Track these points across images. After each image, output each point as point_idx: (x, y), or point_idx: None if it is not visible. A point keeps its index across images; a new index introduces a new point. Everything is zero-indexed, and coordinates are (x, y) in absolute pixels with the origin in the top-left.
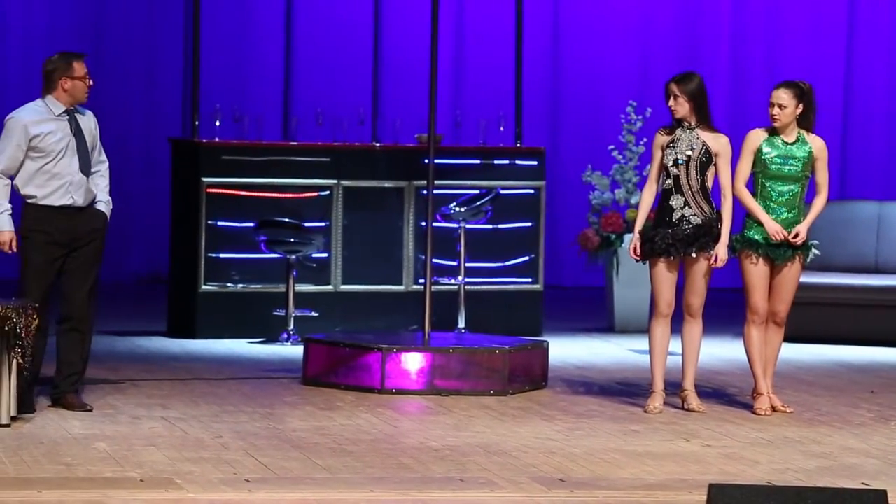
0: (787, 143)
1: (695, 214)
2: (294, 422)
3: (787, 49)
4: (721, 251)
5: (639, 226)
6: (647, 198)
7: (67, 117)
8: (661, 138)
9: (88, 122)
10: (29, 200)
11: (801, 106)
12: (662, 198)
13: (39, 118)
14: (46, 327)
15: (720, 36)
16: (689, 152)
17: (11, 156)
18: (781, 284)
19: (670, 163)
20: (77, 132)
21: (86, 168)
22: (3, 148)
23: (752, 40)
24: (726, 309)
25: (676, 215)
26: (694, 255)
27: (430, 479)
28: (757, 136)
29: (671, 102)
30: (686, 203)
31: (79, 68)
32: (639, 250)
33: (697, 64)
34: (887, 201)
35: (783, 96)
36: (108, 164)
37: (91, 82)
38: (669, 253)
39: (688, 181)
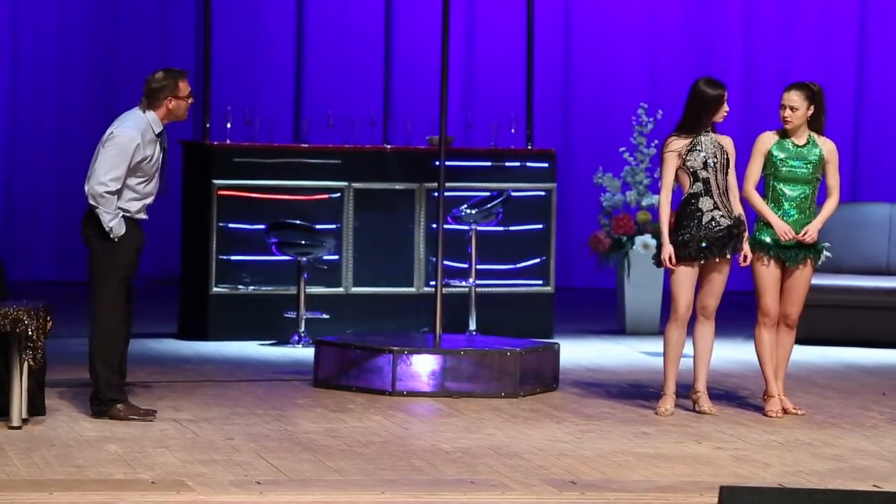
0: (798, 146)
1: (723, 216)
2: (305, 424)
3: (799, 50)
4: (747, 249)
5: (666, 234)
6: (667, 206)
7: (161, 138)
8: (679, 143)
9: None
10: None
11: (812, 107)
12: (687, 202)
13: (147, 139)
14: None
15: (731, 37)
16: (716, 155)
17: (122, 176)
18: (793, 287)
19: (700, 166)
20: (165, 152)
21: (162, 188)
22: (117, 164)
23: (763, 42)
24: (738, 311)
25: (706, 218)
26: (729, 255)
27: (441, 482)
28: (767, 139)
29: (727, 108)
30: (715, 205)
31: (184, 87)
32: (674, 259)
33: (708, 66)
34: None
35: (795, 98)
36: None
37: (192, 100)
38: (705, 255)
39: (716, 183)
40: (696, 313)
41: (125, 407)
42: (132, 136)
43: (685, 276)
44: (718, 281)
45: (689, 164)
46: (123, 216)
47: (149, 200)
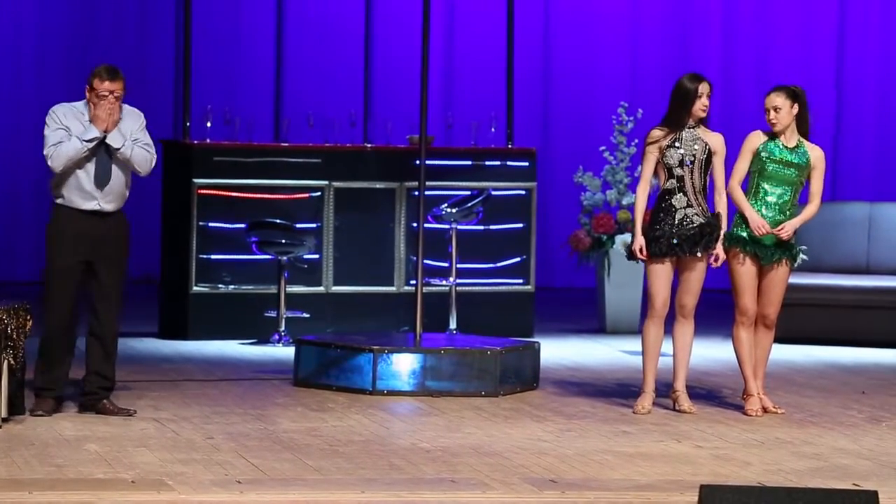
0: (788, 148)
1: (697, 214)
2: (285, 423)
3: (778, 51)
4: (720, 250)
5: (640, 227)
6: (644, 198)
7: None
8: (659, 138)
9: (129, 123)
10: (57, 201)
11: (795, 106)
12: (661, 197)
13: (74, 117)
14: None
15: (711, 37)
16: (695, 152)
17: (58, 134)
18: (770, 287)
19: (675, 163)
20: (103, 145)
21: (102, 179)
22: (48, 133)
23: (742, 42)
24: (716, 309)
25: (679, 215)
26: (699, 253)
27: (422, 481)
28: (757, 137)
29: (706, 102)
30: (689, 203)
31: (98, 85)
32: (645, 251)
33: (688, 65)
34: (878, 202)
35: (776, 100)
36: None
37: (108, 103)
38: (676, 252)
39: (692, 181)
40: (675, 312)
41: (109, 403)
42: (54, 108)
43: (660, 273)
44: (695, 279)
45: (665, 160)
46: (70, 207)
47: (90, 189)
